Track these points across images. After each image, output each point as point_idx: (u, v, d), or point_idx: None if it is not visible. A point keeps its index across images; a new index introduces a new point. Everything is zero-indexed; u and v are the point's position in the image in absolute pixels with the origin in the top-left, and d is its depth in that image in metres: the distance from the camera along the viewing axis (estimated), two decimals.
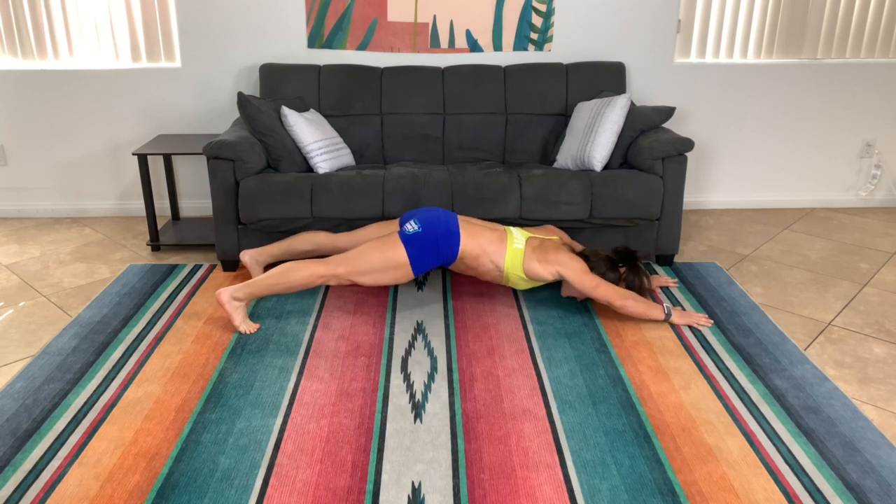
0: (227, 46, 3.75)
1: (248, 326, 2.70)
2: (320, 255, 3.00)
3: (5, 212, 4.06)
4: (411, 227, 2.67)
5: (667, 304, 2.77)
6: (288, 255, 2.99)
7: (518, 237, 2.75)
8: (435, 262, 2.69)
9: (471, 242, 2.70)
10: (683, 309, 2.87)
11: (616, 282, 2.79)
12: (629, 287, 2.80)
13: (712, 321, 2.77)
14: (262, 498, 1.86)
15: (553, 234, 2.94)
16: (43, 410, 2.23)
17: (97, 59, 3.81)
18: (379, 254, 2.62)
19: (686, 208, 4.18)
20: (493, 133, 3.64)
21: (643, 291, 2.81)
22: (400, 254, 2.62)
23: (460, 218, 2.78)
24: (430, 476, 1.94)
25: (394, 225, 2.89)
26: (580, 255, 2.81)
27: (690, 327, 2.74)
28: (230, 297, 2.67)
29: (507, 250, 2.71)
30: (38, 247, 3.61)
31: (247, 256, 2.98)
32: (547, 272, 2.70)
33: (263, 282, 2.64)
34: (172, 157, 3.93)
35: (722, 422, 2.17)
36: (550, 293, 3.03)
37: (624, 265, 2.82)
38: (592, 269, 2.76)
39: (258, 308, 2.90)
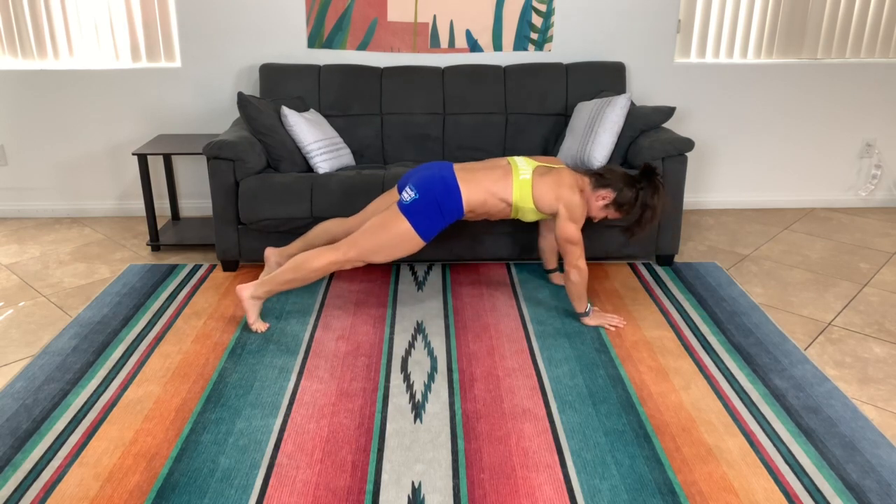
0: (227, 46, 3.75)
1: (260, 325, 2.71)
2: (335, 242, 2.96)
3: (5, 212, 4.06)
4: (408, 194, 2.59)
5: (591, 304, 2.75)
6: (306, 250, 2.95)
7: (524, 167, 2.68)
8: (441, 222, 2.62)
9: (473, 191, 2.62)
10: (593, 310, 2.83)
11: (632, 200, 2.65)
12: (644, 206, 2.65)
13: (625, 322, 2.74)
14: (262, 498, 1.86)
15: (559, 164, 2.82)
16: (43, 410, 2.23)
17: (97, 59, 3.81)
18: (384, 231, 2.58)
19: (686, 208, 4.18)
20: (493, 133, 3.64)
21: (653, 216, 2.66)
22: (404, 226, 2.57)
23: (458, 168, 2.68)
24: (430, 476, 1.94)
25: (395, 194, 2.81)
26: (595, 173, 2.71)
27: (691, 327, 2.74)
28: (250, 296, 2.67)
29: (514, 183, 2.64)
30: (38, 247, 3.61)
31: (272, 255, 2.91)
32: (556, 203, 2.63)
33: (280, 277, 2.62)
34: (172, 157, 3.93)
35: (722, 422, 2.17)
36: (550, 293, 3.03)
37: (643, 183, 2.66)
38: (607, 185, 2.65)
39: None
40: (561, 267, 3.24)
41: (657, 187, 2.64)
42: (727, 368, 2.47)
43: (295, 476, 1.94)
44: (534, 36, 3.78)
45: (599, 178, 2.69)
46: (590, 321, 2.73)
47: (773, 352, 2.57)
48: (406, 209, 2.57)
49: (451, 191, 2.59)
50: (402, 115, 3.63)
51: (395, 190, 2.83)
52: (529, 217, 2.74)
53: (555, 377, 2.40)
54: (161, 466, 1.98)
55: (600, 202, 2.69)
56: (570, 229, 2.62)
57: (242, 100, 3.16)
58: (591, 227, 3.18)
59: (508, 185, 2.64)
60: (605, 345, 2.62)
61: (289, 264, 2.63)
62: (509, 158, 2.76)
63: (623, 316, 2.84)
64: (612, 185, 2.66)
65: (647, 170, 2.65)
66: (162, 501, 1.85)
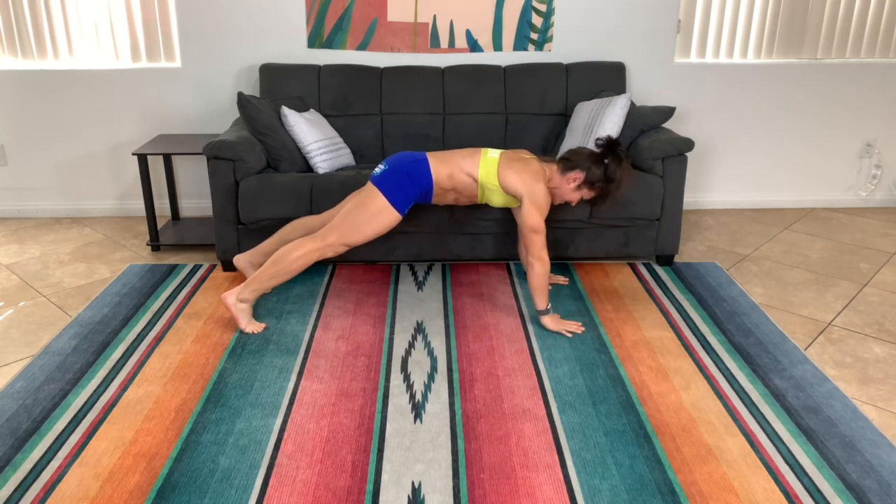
0: (227, 46, 3.75)
1: (254, 327, 2.70)
2: None
3: (5, 212, 4.06)
4: (379, 168, 2.69)
5: (551, 306, 2.73)
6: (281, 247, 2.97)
7: (492, 151, 2.75)
8: (412, 192, 2.67)
9: (441, 165, 2.70)
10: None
11: (600, 178, 2.68)
12: (609, 180, 2.69)
13: (583, 329, 2.72)
14: (262, 498, 1.86)
15: (529, 156, 2.85)
16: (43, 410, 2.23)
17: (97, 59, 3.81)
18: (359, 208, 2.63)
19: (686, 208, 4.18)
20: (493, 133, 3.64)
21: (617, 186, 2.70)
22: (377, 198, 2.63)
23: (431, 153, 2.78)
24: (430, 476, 1.94)
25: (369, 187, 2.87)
26: (562, 158, 2.74)
27: (691, 327, 2.74)
28: (236, 300, 2.67)
29: (481, 160, 2.71)
30: (38, 247, 3.61)
31: (241, 261, 2.94)
32: (519, 186, 2.66)
33: (263, 274, 2.63)
34: (172, 157, 3.93)
35: (722, 422, 2.17)
36: (551, 293, 3.03)
37: (608, 157, 2.70)
38: (575, 167, 2.69)
39: (258, 308, 2.90)
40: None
41: (620, 158, 2.69)
42: (727, 368, 2.47)
43: (295, 476, 1.94)
44: (534, 36, 3.78)
45: (566, 161, 2.72)
46: (548, 323, 2.70)
47: (773, 352, 2.57)
48: (377, 181, 2.65)
49: (420, 162, 2.69)
50: (402, 115, 3.63)
51: (369, 184, 2.85)
52: (495, 199, 2.76)
53: (555, 377, 2.40)
54: (161, 466, 1.98)
55: (572, 184, 2.72)
56: (534, 216, 2.63)
57: (242, 100, 3.16)
58: (590, 228, 3.18)
59: (476, 161, 2.71)
60: (605, 345, 2.62)
61: (270, 260, 2.64)
62: (482, 148, 2.80)
63: (623, 316, 2.83)
64: (580, 165, 2.70)
65: (610, 143, 2.69)
66: (162, 501, 1.85)
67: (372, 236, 2.67)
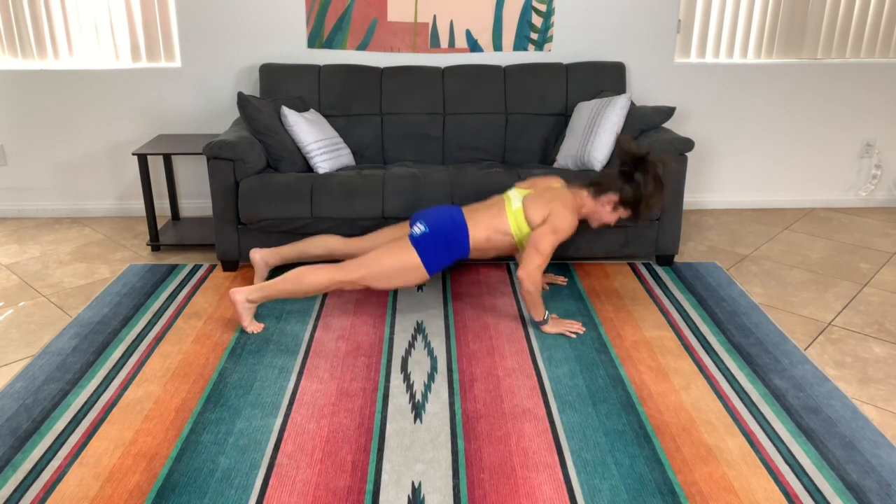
0: (227, 46, 3.75)
1: (254, 327, 2.71)
2: (332, 259, 2.99)
3: (5, 212, 4.06)
4: (419, 228, 2.66)
5: (548, 312, 2.71)
6: (300, 259, 2.97)
7: (515, 198, 2.72)
8: (448, 258, 2.67)
9: (477, 230, 2.69)
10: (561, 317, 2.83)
11: (637, 196, 2.63)
12: (646, 195, 2.63)
13: (584, 329, 2.72)
14: (262, 498, 1.86)
15: (554, 182, 2.84)
16: (43, 410, 2.23)
17: (97, 59, 3.81)
18: (391, 258, 2.62)
19: (686, 208, 4.18)
20: (493, 133, 3.64)
21: (657, 197, 2.64)
22: (412, 256, 2.61)
23: (465, 209, 2.76)
24: (430, 476, 1.94)
25: (405, 227, 2.88)
26: (592, 182, 2.72)
27: (691, 327, 2.74)
28: (245, 299, 2.67)
29: (509, 215, 2.69)
30: (38, 247, 3.61)
31: (257, 255, 2.96)
32: (546, 211, 2.63)
33: (278, 286, 2.63)
34: (172, 157, 3.93)
35: (722, 422, 2.17)
36: (550, 293, 3.03)
37: (638, 172, 2.63)
38: (607, 189, 2.66)
39: (259, 308, 2.90)
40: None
41: (654, 172, 2.62)
42: (727, 368, 2.47)
43: (295, 476, 1.94)
44: (534, 36, 3.78)
45: (597, 186, 2.71)
46: (549, 329, 2.69)
47: (773, 352, 2.57)
48: (416, 241, 2.63)
49: (459, 228, 2.66)
50: (402, 115, 3.63)
51: (404, 224, 2.90)
52: None
53: (555, 377, 2.40)
54: (161, 466, 1.98)
55: (607, 207, 2.70)
56: (547, 240, 2.60)
57: (242, 100, 3.16)
58: (590, 228, 3.17)
59: (504, 218, 2.70)
60: (605, 345, 2.62)
61: (289, 275, 2.63)
62: (505, 194, 2.78)
63: (623, 316, 2.84)
64: (612, 186, 2.67)
65: (638, 158, 2.63)
66: (162, 501, 1.85)
67: (393, 287, 2.67)
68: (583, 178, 3.06)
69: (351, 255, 2.91)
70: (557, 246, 2.63)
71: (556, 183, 2.82)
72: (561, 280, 3.12)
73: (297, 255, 2.95)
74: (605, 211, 2.72)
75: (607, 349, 2.58)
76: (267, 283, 2.66)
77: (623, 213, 2.72)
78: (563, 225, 2.62)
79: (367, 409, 2.23)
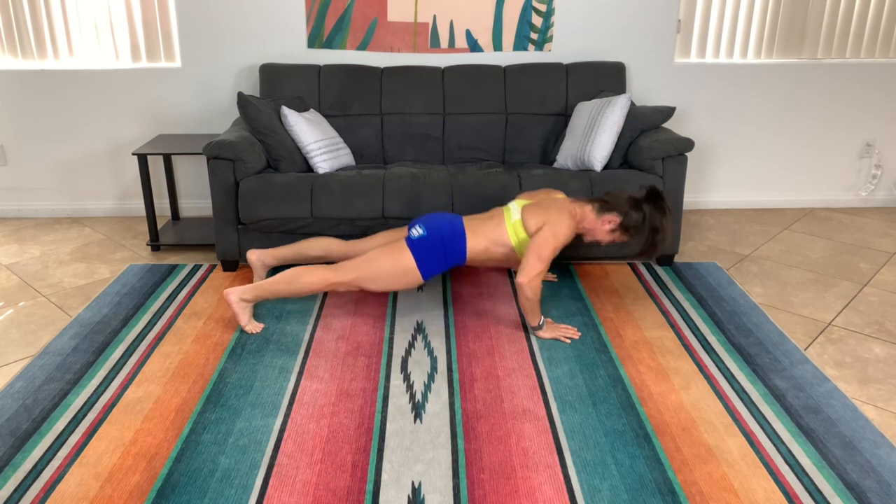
0: (227, 46, 3.75)
1: (253, 327, 2.70)
2: (329, 261, 2.99)
3: (5, 212, 4.06)
4: (417, 231, 2.66)
5: (544, 318, 2.69)
6: (296, 260, 2.97)
7: (514, 209, 2.71)
8: (443, 264, 2.67)
9: (475, 239, 2.68)
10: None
11: (639, 223, 2.65)
12: (654, 230, 2.64)
13: (580, 334, 2.71)
14: (262, 498, 1.86)
15: (556, 194, 2.84)
16: (43, 410, 2.23)
17: (97, 59, 3.81)
18: (387, 260, 2.62)
19: (686, 208, 4.18)
20: (493, 133, 3.64)
21: (665, 237, 2.65)
22: (407, 259, 2.61)
23: (466, 218, 2.76)
24: (430, 476, 1.94)
25: (403, 231, 2.88)
26: (598, 199, 2.72)
27: (691, 327, 2.74)
28: (238, 298, 2.67)
29: (508, 227, 2.68)
30: (38, 247, 3.61)
31: (254, 256, 2.96)
32: (543, 217, 2.63)
33: (272, 286, 2.63)
34: (172, 157, 3.93)
35: (722, 422, 2.17)
36: (550, 293, 3.03)
37: (648, 205, 2.68)
38: (612, 209, 2.66)
39: (258, 308, 2.90)
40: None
41: (664, 210, 2.65)
42: (727, 368, 2.47)
43: (295, 476, 1.94)
44: (534, 36, 3.78)
45: (604, 203, 2.70)
46: (544, 334, 2.67)
47: (773, 352, 2.57)
48: (412, 244, 2.62)
49: (458, 236, 2.66)
50: (402, 115, 3.63)
51: (403, 228, 2.89)
52: None
53: (555, 377, 2.40)
54: (161, 466, 1.98)
55: (607, 226, 2.69)
56: (548, 246, 2.57)
57: (242, 100, 3.16)
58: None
59: (503, 231, 2.69)
60: (605, 345, 2.62)
61: (283, 275, 2.63)
62: (505, 206, 2.77)
63: (623, 316, 2.84)
64: (618, 208, 2.67)
65: (653, 193, 2.66)
66: (162, 501, 1.85)
67: (388, 290, 2.67)
68: (588, 194, 3.04)
69: (348, 256, 2.91)
70: (557, 253, 2.62)
71: (559, 195, 2.83)
72: (552, 277, 3.12)
73: (293, 256, 2.94)
74: (603, 230, 2.70)
75: (607, 349, 2.58)
76: (261, 282, 2.66)
77: (619, 236, 2.72)
78: (562, 230, 2.60)
79: (367, 409, 2.23)
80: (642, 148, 3.15)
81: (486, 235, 2.69)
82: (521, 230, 2.67)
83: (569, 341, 2.66)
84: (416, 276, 2.64)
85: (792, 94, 3.96)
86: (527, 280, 2.55)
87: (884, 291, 3.09)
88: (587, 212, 2.71)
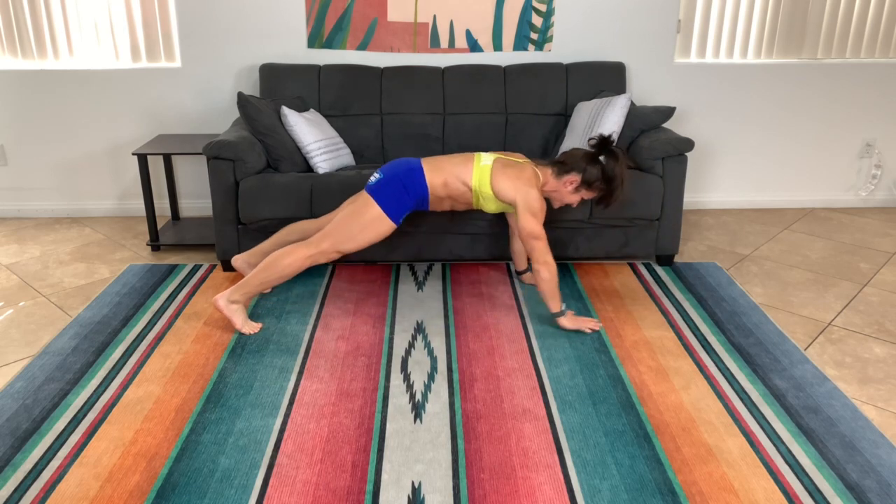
0: (227, 46, 3.75)
1: (250, 328, 2.70)
2: None
3: (5, 212, 4.06)
4: (374, 177, 2.68)
5: (565, 305, 2.72)
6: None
7: (486, 157, 2.72)
8: (408, 202, 2.66)
9: (435, 173, 2.68)
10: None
11: (598, 177, 2.66)
12: (609, 178, 2.65)
13: (601, 325, 2.73)
14: (262, 498, 1.86)
15: (523, 159, 2.84)
16: (43, 410, 2.23)
17: (97, 59, 3.81)
18: (354, 217, 2.62)
19: (686, 208, 4.18)
20: (493, 133, 3.64)
21: (622, 180, 2.65)
22: (372, 207, 2.62)
23: (424, 159, 2.76)
24: (430, 476, 1.94)
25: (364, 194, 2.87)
26: (556, 161, 2.73)
27: (691, 327, 2.74)
28: (227, 302, 2.67)
29: (475, 168, 2.69)
30: (38, 247, 3.61)
31: (239, 261, 2.96)
32: (510, 193, 2.64)
33: (255, 278, 2.63)
34: (172, 157, 3.93)
35: (722, 422, 2.17)
36: None
37: (603, 155, 2.68)
38: (571, 169, 2.68)
39: (258, 308, 2.90)
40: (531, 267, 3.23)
41: (616, 155, 2.64)
42: (727, 368, 2.47)
43: (295, 476, 1.94)
44: (534, 36, 3.78)
45: (561, 165, 2.71)
46: (565, 323, 2.69)
47: (773, 352, 2.57)
48: (372, 190, 2.64)
49: (414, 170, 2.67)
50: (402, 115, 3.63)
51: (364, 192, 2.85)
52: (490, 206, 2.75)
53: (555, 377, 2.40)
54: (161, 466, 1.98)
55: (569, 187, 2.71)
56: (531, 223, 2.61)
57: (242, 100, 3.16)
58: (590, 228, 3.18)
59: (469, 169, 2.69)
60: (605, 345, 2.62)
61: (262, 265, 2.63)
62: (476, 152, 2.79)
63: (623, 316, 2.83)
64: (576, 167, 2.68)
65: (602, 141, 2.64)
66: (162, 501, 1.85)
67: (366, 244, 2.67)
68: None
69: (321, 230, 2.90)
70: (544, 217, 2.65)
71: (521, 158, 2.80)
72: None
73: (274, 248, 2.94)
74: (567, 192, 2.72)
75: (607, 349, 2.58)
76: (243, 280, 2.65)
77: (586, 194, 2.73)
78: (535, 205, 2.62)
79: (367, 409, 2.23)
80: (642, 148, 3.15)
81: (449, 170, 2.69)
82: (486, 180, 2.66)
83: (590, 331, 2.69)
84: (387, 222, 2.64)
85: (792, 94, 3.96)
86: (542, 261, 2.61)
87: (884, 291, 3.09)
88: (548, 175, 2.73)
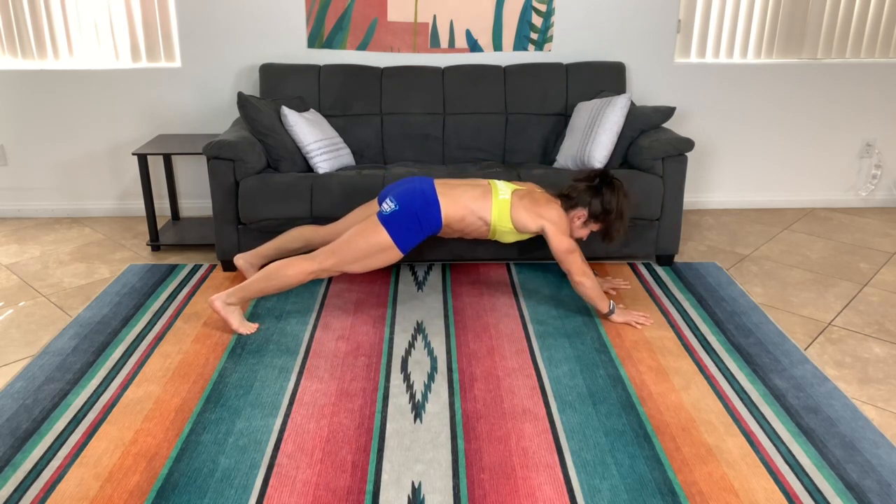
0: (227, 46, 3.75)
1: (246, 328, 2.70)
2: (311, 249, 2.98)
3: (5, 212, 4.06)
4: (388, 206, 2.63)
5: (614, 302, 2.76)
6: (279, 254, 2.97)
7: (503, 189, 2.71)
8: (419, 235, 2.65)
9: (453, 206, 2.65)
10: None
11: (600, 211, 2.70)
12: (607, 211, 2.69)
13: (652, 320, 2.76)
14: (262, 498, 1.86)
15: (537, 189, 2.86)
16: (43, 410, 2.23)
17: (97, 59, 3.81)
18: (362, 240, 2.60)
19: (686, 208, 4.18)
20: (493, 133, 3.64)
21: (622, 215, 2.70)
22: (383, 236, 2.59)
23: (438, 182, 2.72)
24: (430, 476, 1.94)
25: (375, 205, 2.86)
26: (560, 195, 2.77)
27: (691, 327, 2.74)
28: (223, 303, 2.67)
29: (493, 202, 2.67)
30: (38, 247, 3.61)
31: (241, 260, 2.96)
32: (534, 223, 2.66)
33: (254, 286, 2.62)
34: (172, 157, 3.93)
35: (722, 422, 2.17)
36: (550, 293, 3.03)
37: (602, 188, 2.71)
38: (576, 204, 2.72)
39: (258, 308, 2.90)
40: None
41: (614, 187, 2.70)
42: (727, 368, 2.47)
43: (295, 476, 1.94)
44: (534, 36, 3.78)
45: (567, 199, 2.75)
46: (617, 318, 2.74)
47: (773, 352, 2.57)
48: (385, 220, 2.60)
49: (430, 204, 2.63)
50: (402, 115, 3.63)
51: (374, 202, 2.87)
52: (508, 238, 2.76)
53: (555, 377, 2.40)
54: (161, 466, 1.98)
55: (577, 222, 2.75)
56: (563, 241, 2.65)
57: (242, 100, 3.16)
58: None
59: (488, 204, 2.68)
60: (605, 345, 2.62)
61: (262, 273, 2.62)
62: (489, 181, 2.78)
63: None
64: (580, 201, 2.72)
65: (600, 175, 2.72)
66: (162, 501, 1.85)
67: (369, 269, 2.67)
68: (555, 187, 3.03)
69: (326, 241, 2.90)
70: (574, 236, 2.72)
71: (537, 189, 2.84)
72: (623, 284, 3.10)
73: (276, 252, 2.95)
74: (576, 226, 2.77)
75: (607, 349, 2.59)
76: (243, 283, 2.65)
77: (593, 226, 2.78)
78: (563, 222, 2.67)
79: (367, 409, 2.23)
80: (642, 148, 3.15)
81: (465, 205, 2.66)
82: (506, 215, 2.66)
83: (640, 326, 2.72)
84: (394, 252, 2.63)
85: (792, 94, 3.96)
86: (579, 273, 2.64)
87: (884, 291, 3.09)
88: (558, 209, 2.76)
